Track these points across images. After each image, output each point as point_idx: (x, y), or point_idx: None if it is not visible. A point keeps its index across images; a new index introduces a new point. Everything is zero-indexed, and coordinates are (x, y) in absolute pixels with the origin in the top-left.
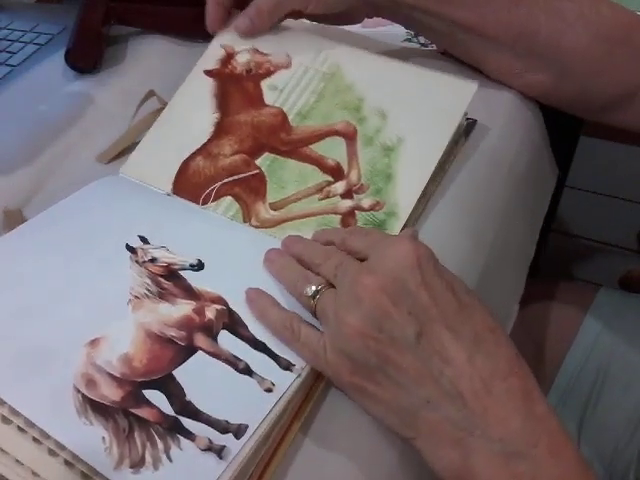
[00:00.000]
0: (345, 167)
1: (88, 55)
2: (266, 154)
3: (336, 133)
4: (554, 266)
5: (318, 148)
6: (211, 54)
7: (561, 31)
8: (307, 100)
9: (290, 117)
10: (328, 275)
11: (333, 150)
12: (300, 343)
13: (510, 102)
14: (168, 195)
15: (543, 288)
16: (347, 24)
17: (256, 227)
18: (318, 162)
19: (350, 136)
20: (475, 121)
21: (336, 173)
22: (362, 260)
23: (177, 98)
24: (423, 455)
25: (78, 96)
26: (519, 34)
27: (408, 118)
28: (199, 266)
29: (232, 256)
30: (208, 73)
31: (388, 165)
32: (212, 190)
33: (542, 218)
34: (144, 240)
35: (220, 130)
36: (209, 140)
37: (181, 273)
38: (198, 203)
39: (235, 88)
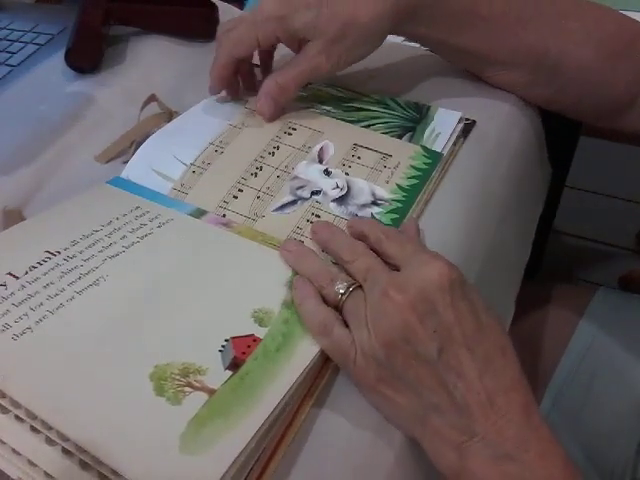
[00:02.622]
0: None
1: (88, 55)
2: None
3: None
4: (554, 266)
5: None
6: None
7: (568, 52)
8: None
9: None
10: (357, 276)
11: None
12: (330, 340)
13: (508, 104)
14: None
15: (541, 290)
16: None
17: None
18: None
19: None
20: (474, 122)
21: None
22: (393, 267)
23: None
24: (427, 453)
25: (78, 96)
26: (527, 56)
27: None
28: None
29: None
30: None
31: None
32: None
33: (537, 218)
34: None
35: None
36: None
37: None
38: None
39: None
